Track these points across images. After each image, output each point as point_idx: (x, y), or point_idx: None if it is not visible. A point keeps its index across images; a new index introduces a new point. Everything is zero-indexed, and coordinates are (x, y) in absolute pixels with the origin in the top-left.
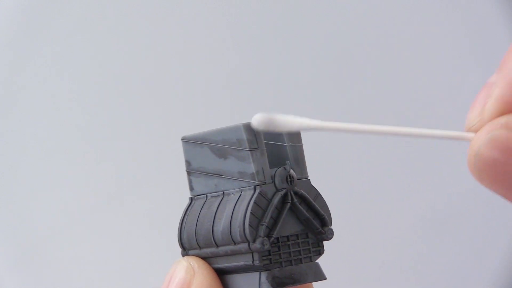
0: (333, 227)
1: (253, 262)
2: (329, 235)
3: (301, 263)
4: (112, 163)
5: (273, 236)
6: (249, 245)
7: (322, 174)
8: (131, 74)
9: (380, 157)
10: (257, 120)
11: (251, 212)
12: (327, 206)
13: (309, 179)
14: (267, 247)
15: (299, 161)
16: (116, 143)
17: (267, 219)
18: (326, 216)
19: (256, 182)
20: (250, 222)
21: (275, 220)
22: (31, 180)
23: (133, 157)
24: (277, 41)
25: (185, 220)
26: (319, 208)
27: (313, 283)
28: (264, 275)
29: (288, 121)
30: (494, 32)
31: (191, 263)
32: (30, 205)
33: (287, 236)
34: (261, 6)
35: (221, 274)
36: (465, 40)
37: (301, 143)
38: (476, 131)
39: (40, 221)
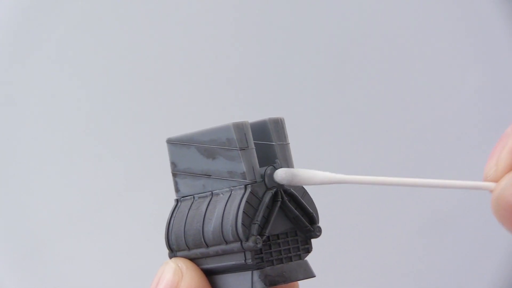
0: (331, 226)
1: (245, 261)
2: (317, 233)
3: (291, 261)
4: (112, 163)
5: (265, 234)
6: (241, 244)
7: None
8: (130, 75)
9: (379, 156)
10: (280, 175)
11: (243, 211)
12: (314, 204)
13: None
14: (260, 245)
15: (287, 160)
16: (115, 144)
17: (259, 218)
18: (314, 214)
19: (247, 181)
20: (242, 221)
21: (266, 219)
22: (31, 180)
23: (133, 156)
24: (276, 41)
25: (172, 222)
26: (307, 206)
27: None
28: (256, 274)
29: (310, 175)
30: (494, 32)
31: (179, 265)
32: (30, 204)
33: (277, 235)
34: (260, 6)
35: (210, 274)
36: (465, 40)
37: (288, 141)
38: (492, 180)
39: (40, 221)
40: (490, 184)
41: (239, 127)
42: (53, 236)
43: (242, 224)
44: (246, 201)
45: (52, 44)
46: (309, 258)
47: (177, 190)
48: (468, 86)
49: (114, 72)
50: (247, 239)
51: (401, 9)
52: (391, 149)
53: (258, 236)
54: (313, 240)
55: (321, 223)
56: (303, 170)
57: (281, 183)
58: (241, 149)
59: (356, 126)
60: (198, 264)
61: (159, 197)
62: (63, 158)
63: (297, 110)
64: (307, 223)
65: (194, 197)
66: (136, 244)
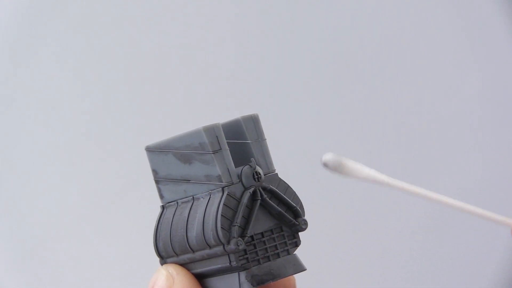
0: (329, 222)
1: (230, 263)
2: (303, 226)
3: (279, 257)
4: (111, 164)
5: (247, 235)
6: (224, 247)
7: (327, 176)
8: (129, 78)
9: (379, 156)
10: (327, 159)
11: (221, 215)
12: (298, 197)
13: (277, 173)
14: (242, 247)
15: (265, 156)
16: (116, 144)
17: (238, 219)
18: (298, 208)
19: (223, 183)
20: (222, 224)
21: (247, 219)
22: (31, 181)
23: (132, 159)
24: (276, 41)
25: (159, 229)
26: (290, 201)
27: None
28: (243, 275)
29: (356, 168)
30: (494, 32)
31: (170, 271)
32: (30, 205)
33: (262, 233)
34: (258, 6)
35: (202, 278)
36: (465, 40)
37: (265, 138)
38: None
39: (40, 221)
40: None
41: (210, 131)
42: (52, 237)
43: (222, 227)
44: (224, 204)
45: (51, 46)
46: (308, 256)
47: (161, 196)
48: (468, 87)
49: (113, 76)
50: (228, 242)
51: (401, 10)
52: (390, 149)
53: (240, 238)
54: (311, 239)
55: (318, 221)
56: (350, 162)
57: (325, 167)
58: (214, 152)
59: (355, 126)
60: (188, 269)
61: (157, 200)
62: (63, 159)
63: (293, 109)
64: (291, 218)
65: (177, 203)
66: (134, 245)
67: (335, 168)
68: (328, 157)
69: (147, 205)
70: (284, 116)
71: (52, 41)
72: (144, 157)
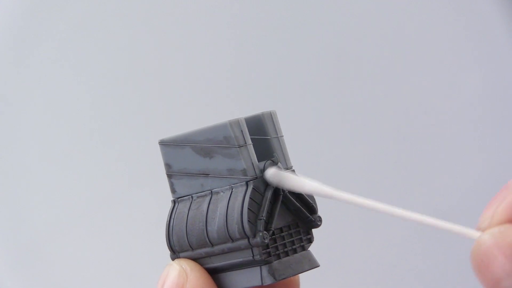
0: (330, 222)
1: (253, 257)
2: (318, 222)
3: (296, 252)
4: (112, 162)
5: (271, 229)
6: (249, 241)
7: (327, 175)
8: (128, 75)
9: (377, 157)
10: (269, 175)
11: (248, 208)
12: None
13: (294, 169)
14: (267, 240)
15: (283, 152)
16: (116, 143)
17: (264, 213)
18: (313, 204)
19: (247, 177)
20: (248, 217)
21: (270, 213)
22: (30, 180)
23: (134, 156)
24: (275, 41)
25: (171, 223)
26: (307, 197)
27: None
28: (265, 269)
29: (298, 182)
30: (494, 32)
31: (183, 266)
32: (30, 205)
33: (281, 228)
34: (258, 6)
35: (215, 273)
36: (465, 40)
37: (282, 134)
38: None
39: (40, 220)
40: (476, 233)
41: (236, 125)
42: (53, 236)
43: (248, 221)
44: (250, 198)
45: (52, 45)
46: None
47: (173, 191)
48: (468, 87)
49: (113, 72)
50: (254, 236)
51: (401, 9)
52: (389, 149)
53: (265, 232)
54: (317, 237)
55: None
56: (292, 176)
57: (269, 182)
58: (240, 146)
59: (354, 126)
60: (202, 264)
61: (160, 196)
62: (63, 158)
63: (295, 107)
64: (308, 214)
65: (192, 197)
66: (137, 244)
67: (277, 183)
68: (269, 173)
69: (148, 203)
70: (288, 114)
71: (53, 39)
72: (144, 156)
